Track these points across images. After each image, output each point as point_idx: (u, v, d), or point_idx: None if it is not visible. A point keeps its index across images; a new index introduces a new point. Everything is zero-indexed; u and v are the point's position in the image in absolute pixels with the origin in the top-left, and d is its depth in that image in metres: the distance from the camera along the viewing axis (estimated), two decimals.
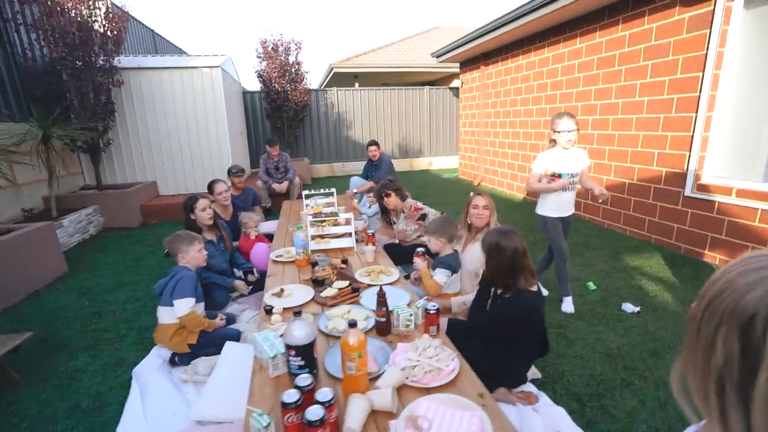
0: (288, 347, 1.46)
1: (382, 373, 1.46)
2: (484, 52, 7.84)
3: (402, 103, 10.87)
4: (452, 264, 2.38)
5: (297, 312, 1.53)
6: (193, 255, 2.37)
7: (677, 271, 3.77)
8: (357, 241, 3.11)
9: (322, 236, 3.14)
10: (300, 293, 2.24)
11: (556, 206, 2.90)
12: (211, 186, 3.87)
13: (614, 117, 5.00)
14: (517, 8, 5.76)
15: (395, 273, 2.45)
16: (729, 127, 3.86)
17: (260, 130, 10.04)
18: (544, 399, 1.96)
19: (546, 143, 2.97)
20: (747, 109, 3.72)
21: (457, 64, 11.06)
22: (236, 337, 2.43)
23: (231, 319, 2.70)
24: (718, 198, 3.87)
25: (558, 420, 1.82)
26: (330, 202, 4.21)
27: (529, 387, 2.00)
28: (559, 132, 2.77)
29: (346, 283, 2.29)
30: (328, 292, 2.20)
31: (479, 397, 1.40)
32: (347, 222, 3.26)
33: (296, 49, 9.35)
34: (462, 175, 9.68)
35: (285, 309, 2.04)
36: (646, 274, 3.68)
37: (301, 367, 1.44)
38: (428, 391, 1.41)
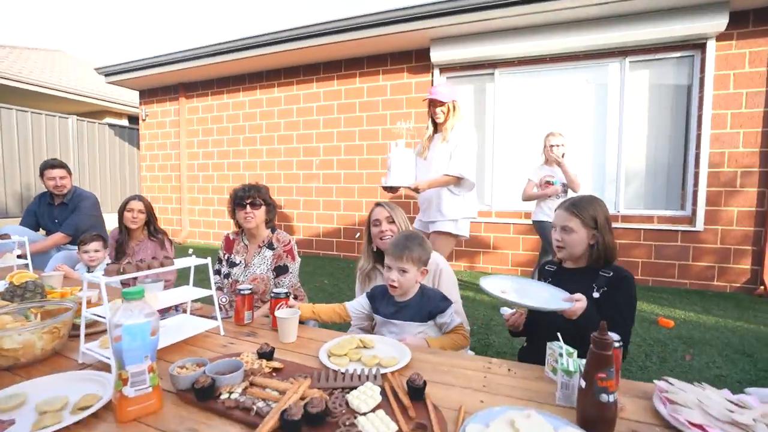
0: None
1: None
2: (185, 82, 6.68)
3: (28, 135, 7.15)
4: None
5: None
6: None
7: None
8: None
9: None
10: None
11: (551, 211, 3.43)
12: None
13: (359, 157, 5.56)
14: (244, 38, 5.39)
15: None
16: None
17: None
18: None
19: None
20: None
21: (122, 93, 8.88)
22: None
23: None
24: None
25: None
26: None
27: None
28: (551, 146, 3.52)
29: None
30: None
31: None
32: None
33: None
34: None
35: None
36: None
37: None
38: None
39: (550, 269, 1.65)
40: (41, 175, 3.22)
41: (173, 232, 7.21)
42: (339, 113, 5.62)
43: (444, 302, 1.54)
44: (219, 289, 2.20)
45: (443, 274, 1.78)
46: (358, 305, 1.64)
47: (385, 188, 2.42)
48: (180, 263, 1.43)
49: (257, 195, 2.13)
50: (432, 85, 5.07)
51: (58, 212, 3.29)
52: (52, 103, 9.09)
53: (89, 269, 2.60)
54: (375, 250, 1.84)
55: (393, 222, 1.80)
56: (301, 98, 5.87)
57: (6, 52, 9.05)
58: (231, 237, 2.28)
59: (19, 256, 2.73)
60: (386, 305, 1.56)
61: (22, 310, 1.40)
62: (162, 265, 1.38)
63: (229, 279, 2.17)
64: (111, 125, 8.53)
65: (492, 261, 4.92)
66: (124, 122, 10.01)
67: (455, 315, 1.55)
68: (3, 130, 6.86)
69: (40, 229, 3.36)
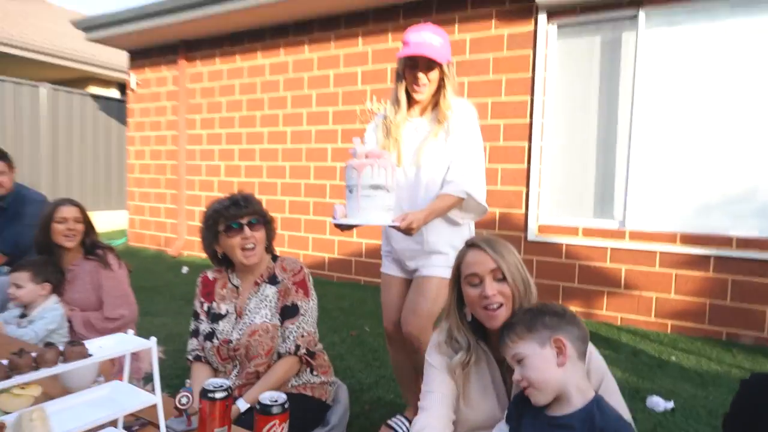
0: None
1: None
2: (188, 40, 6.54)
3: None
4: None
5: None
6: None
7: None
8: None
9: None
10: None
11: None
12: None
13: None
14: None
15: None
16: (559, 159, 4.54)
17: None
18: None
19: None
20: (572, 139, 4.50)
21: (111, 55, 9.02)
22: None
23: None
24: (564, 240, 4.38)
25: None
26: None
27: None
28: None
29: None
30: None
31: None
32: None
33: None
34: (136, 241, 7.50)
35: None
36: None
37: None
38: None
39: None
40: None
41: (166, 241, 7.12)
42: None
43: None
44: (197, 359, 1.94)
45: (607, 383, 1.30)
46: None
47: (341, 227, 1.83)
48: (103, 347, 1.07)
49: (254, 209, 1.93)
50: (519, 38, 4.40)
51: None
52: (22, 67, 9.37)
53: (25, 310, 2.33)
54: (470, 319, 1.41)
55: (503, 279, 1.32)
56: (341, 60, 5.45)
57: None
58: (210, 277, 2.04)
59: None
60: (532, 420, 1.19)
61: None
62: (66, 358, 0.99)
63: (214, 341, 1.87)
64: (96, 96, 8.66)
65: (624, 307, 4.19)
66: (114, 93, 10.20)
67: None
68: None
69: None
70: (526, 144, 4.48)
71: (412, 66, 1.96)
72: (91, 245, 2.52)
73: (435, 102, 2.05)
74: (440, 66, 1.96)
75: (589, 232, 4.29)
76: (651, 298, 4.10)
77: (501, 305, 1.31)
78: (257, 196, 5.82)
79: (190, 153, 6.78)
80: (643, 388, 2.93)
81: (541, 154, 4.50)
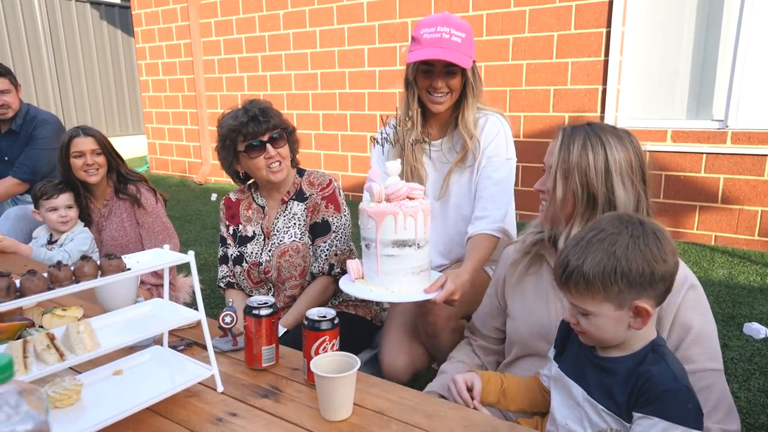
0: None
1: None
2: None
3: None
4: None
5: None
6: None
7: None
8: None
9: None
10: None
11: None
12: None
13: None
14: None
15: None
16: (644, 48, 4.35)
17: None
18: None
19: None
20: (662, 21, 4.28)
21: None
22: None
23: None
24: (649, 146, 4.28)
25: None
26: None
27: None
28: None
29: None
30: None
31: None
32: None
33: None
34: (159, 168, 7.94)
35: None
36: None
37: None
38: None
39: None
40: None
41: (190, 167, 7.42)
42: None
43: (675, 398, 1.00)
44: (229, 286, 2.14)
45: (689, 299, 1.30)
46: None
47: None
48: (141, 262, 1.14)
49: (275, 123, 1.96)
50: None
51: (6, 145, 3.32)
52: None
53: (52, 238, 2.59)
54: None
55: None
56: None
57: None
58: (233, 198, 2.19)
59: None
60: (576, 350, 1.19)
61: None
62: (104, 272, 1.05)
63: (243, 265, 2.06)
64: (95, 3, 8.78)
65: (720, 224, 4.18)
66: None
67: None
68: None
69: None
70: (603, 30, 4.31)
71: (427, 71, 1.82)
72: (122, 179, 2.64)
73: (456, 115, 1.92)
74: (462, 72, 1.82)
75: (680, 136, 4.20)
76: (755, 213, 4.03)
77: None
78: (286, 110, 5.96)
79: (208, 64, 6.88)
80: (740, 314, 2.97)
81: (623, 43, 4.33)
